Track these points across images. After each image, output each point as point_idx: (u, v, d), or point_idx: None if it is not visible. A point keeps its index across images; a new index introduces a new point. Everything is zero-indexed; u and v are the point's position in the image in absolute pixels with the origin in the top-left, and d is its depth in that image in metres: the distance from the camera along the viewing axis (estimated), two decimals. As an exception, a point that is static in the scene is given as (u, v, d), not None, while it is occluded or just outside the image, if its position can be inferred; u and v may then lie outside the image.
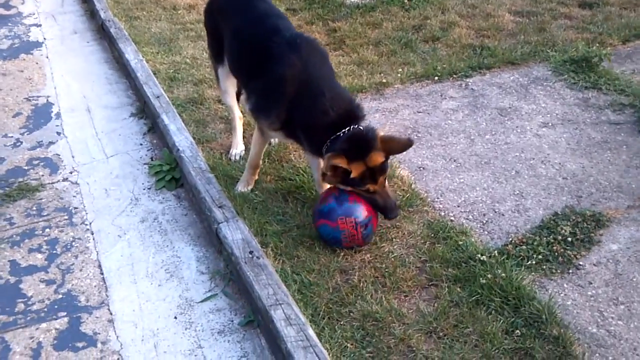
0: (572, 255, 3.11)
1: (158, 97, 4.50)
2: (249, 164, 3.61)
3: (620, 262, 3.07)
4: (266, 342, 2.85)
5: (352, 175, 2.98)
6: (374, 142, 3.01)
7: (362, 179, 3.02)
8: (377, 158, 3.00)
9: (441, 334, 2.72)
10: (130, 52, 5.24)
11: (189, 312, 3.01)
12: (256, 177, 3.67)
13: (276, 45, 3.27)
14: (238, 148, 4.00)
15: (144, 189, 3.89)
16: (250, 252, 3.08)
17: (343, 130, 3.06)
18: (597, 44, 5.22)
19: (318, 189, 3.52)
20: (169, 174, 3.93)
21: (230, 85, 3.94)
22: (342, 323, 2.79)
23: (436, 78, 4.93)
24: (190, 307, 3.04)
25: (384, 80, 4.86)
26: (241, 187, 3.63)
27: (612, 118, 4.30)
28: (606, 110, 4.40)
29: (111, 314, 3.02)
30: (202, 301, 3.07)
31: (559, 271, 3.04)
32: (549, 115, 4.39)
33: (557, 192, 3.60)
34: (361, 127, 3.09)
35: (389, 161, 3.09)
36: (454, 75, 4.96)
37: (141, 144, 4.36)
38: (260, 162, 3.66)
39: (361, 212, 3.09)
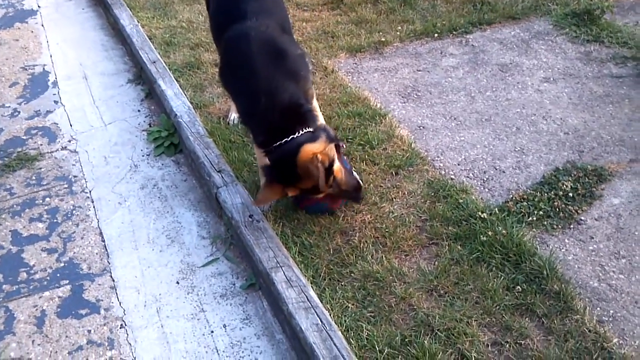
0: (574, 211, 3.09)
1: (154, 62, 4.45)
2: (259, 164, 3.22)
3: (621, 216, 3.06)
4: (268, 304, 2.87)
5: (290, 195, 2.90)
6: (296, 169, 2.76)
7: (306, 193, 2.89)
8: (306, 184, 2.80)
9: (442, 291, 2.72)
10: (125, 18, 5.17)
11: (191, 277, 3.03)
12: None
13: (231, 37, 3.04)
14: (236, 112, 3.94)
15: (143, 156, 3.87)
16: (250, 216, 3.08)
17: (280, 142, 2.80)
18: (600, -4, 5.11)
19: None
20: (168, 139, 3.91)
21: None
22: (343, 284, 2.80)
23: (436, 35, 4.84)
24: (192, 272, 3.05)
25: (383, 39, 4.78)
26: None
27: (615, 71, 4.24)
28: (608, 63, 4.33)
29: (113, 280, 3.04)
30: (203, 266, 3.08)
31: (560, 227, 3.02)
32: (550, 70, 4.32)
33: (558, 147, 3.57)
34: (290, 146, 2.79)
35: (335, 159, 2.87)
36: (454, 32, 4.88)
37: (139, 111, 4.33)
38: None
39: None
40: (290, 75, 2.94)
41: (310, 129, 2.86)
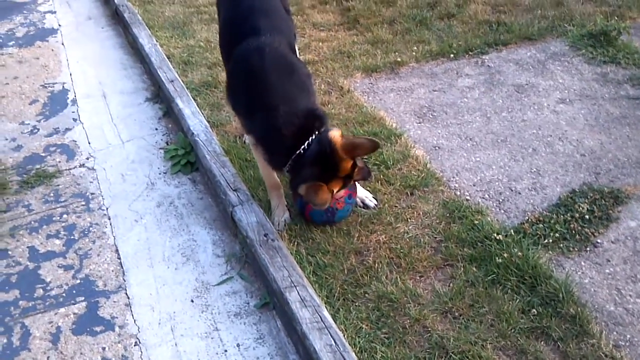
0: (590, 233, 3.07)
1: (172, 81, 4.51)
2: (267, 186, 3.37)
3: (639, 239, 3.03)
4: (282, 324, 2.87)
5: (335, 192, 2.92)
6: (337, 154, 2.80)
7: (342, 187, 2.95)
8: (347, 166, 2.85)
9: (457, 313, 2.71)
10: (144, 37, 5.25)
11: (205, 295, 3.03)
12: (283, 199, 3.35)
13: (244, 51, 3.05)
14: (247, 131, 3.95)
15: (160, 174, 3.91)
16: (265, 235, 3.09)
17: (303, 147, 2.85)
18: (616, 18, 5.11)
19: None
20: (184, 158, 3.94)
21: None
22: (357, 304, 2.80)
23: (452, 56, 4.86)
24: (206, 290, 3.06)
25: (399, 59, 4.80)
26: (277, 218, 3.27)
27: (632, 93, 4.22)
28: (625, 84, 4.32)
29: (128, 298, 3.05)
30: (218, 284, 3.09)
31: (576, 249, 3.00)
32: (566, 91, 4.32)
33: (574, 169, 3.55)
34: (319, 140, 2.85)
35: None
36: (470, 53, 4.90)
37: (156, 129, 4.38)
38: (277, 177, 3.34)
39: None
40: (303, 89, 3.03)
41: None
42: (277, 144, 2.92)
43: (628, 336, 2.57)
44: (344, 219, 3.23)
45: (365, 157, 3.57)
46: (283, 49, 3.09)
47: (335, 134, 2.84)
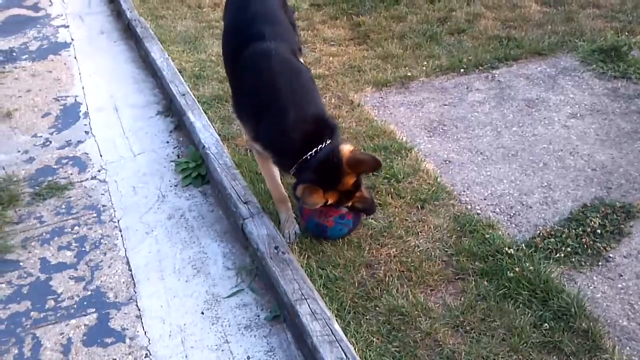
0: (602, 248, 3.06)
1: (184, 95, 4.54)
2: (274, 199, 3.39)
3: (651, 254, 3.02)
4: (292, 336, 2.86)
5: (328, 203, 2.89)
6: (341, 169, 2.83)
7: (338, 202, 2.94)
8: (349, 182, 2.87)
9: (468, 327, 2.69)
10: (156, 51, 5.29)
11: (216, 308, 3.04)
12: (291, 212, 3.36)
13: (251, 54, 3.09)
14: (253, 136, 3.93)
15: (171, 186, 3.92)
16: (276, 248, 3.09)
17: (310, 153, 2.87)
18: (627, 33, 5.12)
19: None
20: (195, 170, 3.96)
21: None
22: (367, 317, 2.79)
23: (462, 70, 4.88)
24: (216, 303, 3.06)
25: (409, 74, 4.82)
26: (287, 231, 3.28)
27: (643, 107, 4.22)
28: (636, 99, 4.31)
29: (139, 310, 3.05)
30: (228, 296, 3.09)
31: (588, 264, 2.99)
32: (577, 106, 4.31)
33: (585, 183, 3.54)
34: (328, 150, 2.87)
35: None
36: (480, 67, 4.91)
37: (168, 142, 4.40)
38: (284, 191, 3.38)
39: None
40: (312, 93, 3.09)
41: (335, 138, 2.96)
42: (287, 146, 2.94)
43: (642, 352, 2.55)
44: (339, 237, 3.21)
45: (374, 173, 3.57)
46: (289, 54, 3.16)
47: (345, 148, 2.86)
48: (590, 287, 2.86)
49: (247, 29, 3.24)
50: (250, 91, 3.11)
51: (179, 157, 4.19)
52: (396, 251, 3.13)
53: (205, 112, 4.33)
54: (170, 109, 4.74)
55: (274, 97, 2.95)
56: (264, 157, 3.17)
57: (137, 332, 2.94)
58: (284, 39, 3.24)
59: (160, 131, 4.54)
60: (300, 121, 2.90)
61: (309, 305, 2.76)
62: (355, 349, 2.59)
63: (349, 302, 2.86)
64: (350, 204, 2.98)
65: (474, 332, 2.67)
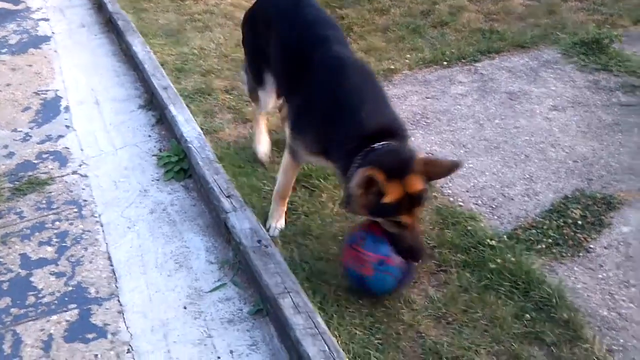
0: (583, 239, 3.09)
1: (166, 88, 4.51)
2: (278, 194, 3.24)
3: (631, 245, 3.04)
4: (275, 330, 2.85)
5: (385, 199, 2.43)
6: (413, 163, 2.48)
7: (396, 206, 2.46)
8: (417, 183, 2.45)
9: (450, 319, 2.70)
10: (137, 44, 5.25)
11: (198, 302, 3.02)
12: (285, 207, 3.28)
13: (321, 58, 2.92)
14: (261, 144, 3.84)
15: (153, 181, 3.89)
16: (259, 241, 3.08)
17: (378, 144, 2.57)
18: (608, 26, 5.17)
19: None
20: (178, 164, 3.93)
21: (270, 105, 3.67)
22: (351, 310, 2.78)
23: (445, 63, 4.89)
24: (199, 297, 3.05)
25: (392, 67, 4.83)
26: (274, 224, 3.24)
27: (623, 100, 4.25)
28: (617, 92, 4.35)
29: (121, 305, 3.03)
30: (211, 291, 3.08)
31: (569, 255, 3.01)
32: (559, 99, 4.34)
33: (567, 175, 3.56)
34: (400, 144, 2.63)
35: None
36: (463, 60, 4.93)
37: (149, 136, 4.37)
38: (287, 193, 3.26)
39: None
40: (386, 96, 2.92)
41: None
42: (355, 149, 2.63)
43: (621, 340, 2.57)
44: (386, 291, 2.79)
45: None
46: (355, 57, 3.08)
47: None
48: (571, 278, 2.88)
49: (310, 36, 3.06)
50: (324, 99, 2.85)
51: (160, 151, 4.16)
52: (379, 244, 3.12)
53: (187, 106, 4.30)
54: (152, 102, 4.70)
55: (354, 103, 2.73)
56: (299, 163, 3.14)
57: (119, 327, 2.91)
58: (344, 42, 3.15)
59: (142, 125, 4.50)
60: (377, 126, 2.65)
61: (291, 299, 2.76)
62: (338, 341, 2.58)
63: (332, 295, 2.86)
64: (404, 219, 2.52)
65: (456, 324, 2.68)
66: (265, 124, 3.87)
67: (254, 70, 3.59)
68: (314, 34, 3.06)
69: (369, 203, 2.48)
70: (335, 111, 2.76)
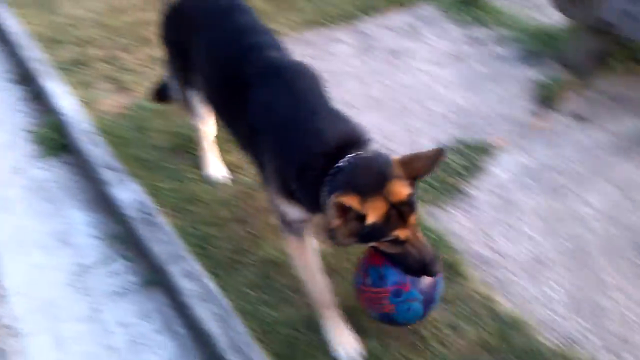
0: (462, 185, 3.22)
1: (38, 60, 4.27)
2: (317, 303, 2.51)
3: (505, 187, 3.21)
4: (167, 299, 2.82)
5: (369, 220, 2.02)
6: (390, 168, 2.10)
7: (385, 223, 2.06)
8: (400, 190, 2.06)
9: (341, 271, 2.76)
10: (5, 15, 4.92)
11: (85, 278, 2.93)
12: (340, 318, 2.50)
13: (255, 68, 2.52)
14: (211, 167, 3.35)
15: (29, 158, 3.70)
16: (145, 212, 3.02)
17: (342, 161, 2.15)
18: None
19: None
20: (55, 140, 3.75)
21: (206, 112, 3.16)
22: (243, 272, 2.78)
23: (328, 23, 4.90)
24: (85, 273, 2.96)
25: (278, 30, 4.78)
26: (341, 349, 2.44)
27: (498, 51, 4.43)
28: (491, 44, 4.53)
29: (3, 288, 2.89)
30: (98, 266, 2.99)
31: (449, 200, 3.14)
32: (438, 54, 4.47)
33: (445, 125, 3.70)
34: (366, 154, 2.21)
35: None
36: (345, 20, 4.95)
37: (23, 112, 4.14)
38: (329, 292, 2.51)
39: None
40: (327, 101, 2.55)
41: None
42: (312, 152, 2.25)
43: (497, 274, 2.74)
44: (418, 318, 2.37)
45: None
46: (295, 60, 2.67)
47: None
48: (453, 223, 3.02)
49: (239, 42, 2.66)
50: (270, 129, 2.42)
51: (36, 127, 3.95)
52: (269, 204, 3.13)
53: (63, 78, 4.10)
54: (26, 77, 4.44)
55: (303, 125, 2.33)
56: (300, 236, 2.48)
57: (2, 311, 2.78)
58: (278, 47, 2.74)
59: (15, 101, 4.25)
60: (336, 141, 2.23)
61: (182, 266, 2.73)
62: (231, 303, 2.59)
63: (223, 258, 2.84)
64: (400, 234, 2.10)
65: (344, 273, 2.73)
66: (209, 141, 3.31)
67: (180, 76, 3.08)
68: (244, 42, 2.65)
69: (354, 230, 2.07)
70: (285, 140, 2.36)
